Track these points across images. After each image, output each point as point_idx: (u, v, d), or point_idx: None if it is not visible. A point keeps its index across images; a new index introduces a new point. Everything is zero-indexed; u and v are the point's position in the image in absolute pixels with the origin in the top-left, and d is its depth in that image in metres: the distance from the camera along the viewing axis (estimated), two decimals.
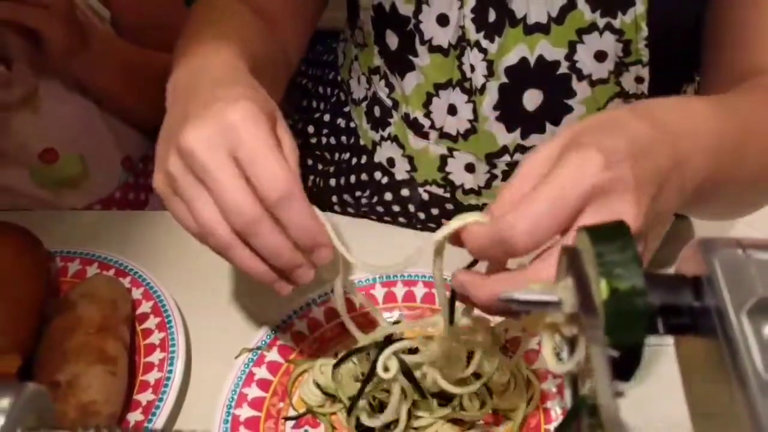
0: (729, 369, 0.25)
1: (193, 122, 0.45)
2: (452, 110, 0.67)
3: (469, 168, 0.70)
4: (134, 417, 0.60)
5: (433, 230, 0.74)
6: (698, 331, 0.28)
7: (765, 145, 0.52)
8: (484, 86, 0.64)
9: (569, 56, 0.62)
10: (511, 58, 0.63)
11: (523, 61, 0.63)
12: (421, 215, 0.75)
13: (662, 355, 0.54)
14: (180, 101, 0.51)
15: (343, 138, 0.80)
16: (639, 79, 0.64)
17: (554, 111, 0.66)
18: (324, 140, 0.81)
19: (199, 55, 0.54)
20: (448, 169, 0.71)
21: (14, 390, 0.29)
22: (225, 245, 0.46)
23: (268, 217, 0.45)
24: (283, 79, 0.68)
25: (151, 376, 0.63)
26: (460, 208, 0.73)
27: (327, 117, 0.81)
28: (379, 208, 0.77)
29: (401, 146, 0.73)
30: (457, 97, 0.67)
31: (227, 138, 0.44)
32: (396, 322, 0.61)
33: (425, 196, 0.74)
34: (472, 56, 0.63)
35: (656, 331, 0.28)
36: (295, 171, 0.46)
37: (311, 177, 0.83)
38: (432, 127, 0.70)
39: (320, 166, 0.82)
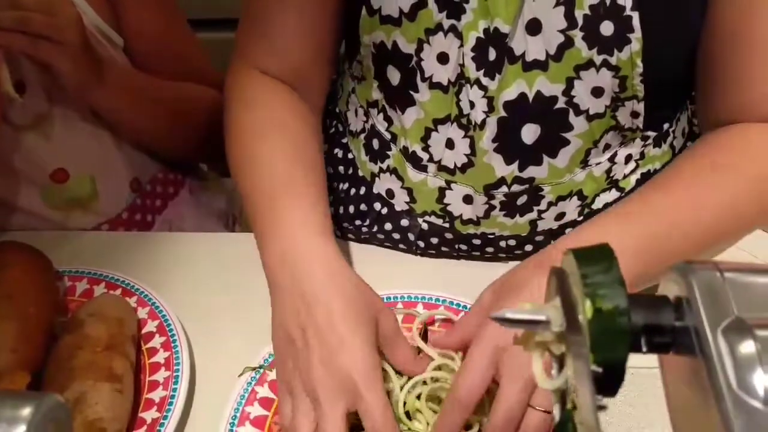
0: (706, 385, 0.27)
1: (318, 364, 0.55)
2: (450, 144, 0.69)
3: (467, 200, 0.72)
4: None
5: (432, 256, 0.77)
6: (679, 349, 0.30)
7: (692, 228, 0.60)
8: (484, 121, 0.66)
9: (567, 92, 0.64)
10: (510, 94, 0.65)
11: (522, 96, 0.65)
12: (421, 243, 0.77)
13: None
14: (293, 303, 0.59)
15: (341, 168, 0.81)
16: (634, 114, 0.66)
17: (551, 144, 0.68)
18: None
19: (285, 236, 0.62)
20: (446, 200, 0.73)
21: (35, 399, 0.30)
22: None
23: None
24: (322, 145, 0.76)
25: (156, 395, 0.64)
26: (460, 237, 0.75)
27: (325, 147, 0.83)
28: (380, 236, 0.79)
29: (400, 178, 0.75)
30: (454, 132, 0.68)
31: (348, 387, 0.54)
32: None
33: (425, 226, 0.76)
34: (472, 93, 0.65)
35: (639, 350, 0.30)
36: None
37: None
38: (430, 160, 0.71)
39: None
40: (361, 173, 0.79)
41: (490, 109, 0.65)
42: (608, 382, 0.28)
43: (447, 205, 0.73)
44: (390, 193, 0.76)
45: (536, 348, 0.33)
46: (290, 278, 0.59)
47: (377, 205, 0.78)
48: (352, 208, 0.80)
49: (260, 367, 0.65)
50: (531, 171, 0.69)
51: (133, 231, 0.90)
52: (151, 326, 0.70)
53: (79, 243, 0.82)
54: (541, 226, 0.74)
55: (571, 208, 0.73)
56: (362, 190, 0.79)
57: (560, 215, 0.73)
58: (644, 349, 0.30)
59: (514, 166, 0.69)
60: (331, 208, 0.81)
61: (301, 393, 0.56)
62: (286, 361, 0.58)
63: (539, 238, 0.75)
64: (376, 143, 0.76)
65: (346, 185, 0.81)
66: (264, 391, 0.63)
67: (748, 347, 0.26)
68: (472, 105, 0.66)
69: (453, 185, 0.72)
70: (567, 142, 0.67)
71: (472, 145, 0.68)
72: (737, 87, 0.63)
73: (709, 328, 0.27)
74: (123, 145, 0.88)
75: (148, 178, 0.93)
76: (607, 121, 0.66)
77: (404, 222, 0.76)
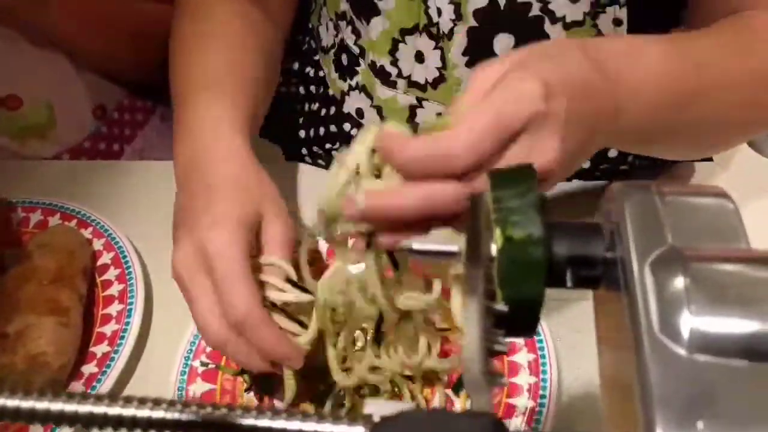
0: (627, 326, 0.23)
1: (179, 246, 0.51)
2: (419, 57, 0.64)
3: None
4: (89, 369, 0.59)
5: None
6: (608, 284, 0.26)
7: (723, 92, 0.51)
8: (452, 31, 0.61)
9: None
10: (481, 0, 0.59)
11: (493, 3, 0.59)
12: None
13: None
14: (181, 197, 0.56)
15: (312, 87, 0.77)
16: (617, 22, 0.60)
17: None
18: (293, 89, 0.79)
19: (197, 128, 0.57)
20: (417, 120, 0.68)
21: None
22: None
23: (234, 337, 0.49)
24: (279, 58, 0.70)
25: (108, 328, 0.62)
26: None
27: (296, 66, 0.79)
28: None
29: (369, 96, 0.70)
30: (423, 43, 0.63)
31: (204, 265, 0.49)
32: None
33: None
34: None
35: (563, 284, 0.26)
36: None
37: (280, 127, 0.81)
38: (399, 75, 0.67)
39: (292, 117, 0.80)
40: (331, 92, 0.75)
41: (458, 16, 0.60)
42: (522, 320, 0.25)
43: (418, 125, 0.68)
44: (360, 112, 0.72)
45: (455, 282, 0.29)
46: (191, 171, 0.55)
47: (347, 126, 0.73)
48: (322, 130, 0.76)
49: None
50: None
51: (97, 161, 0.86)
52: (106, 258, 0.67)
53: (35, 172, 0.78)
54: None
55: None
56: (332, 110, 0.75)
57: None
58: (569, 283, 0.26)
59: None
60: (301, 131, 0.78)
61: (180, 289, 0.52)
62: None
63: None
64: (345, 59, 0.71)
65: (317, 105, 0.77)
66: None
67: (676, 284, 0.22)
68: (439, 12, 0.60)
69: (424, 103, 0.67)
70: None
71: (443, 58, 0.63)
72: None
73: (637, 259, 0.23)
74: (82, 69, 0.83)
75: (114, 104, 0.88)
76: (587, 30, 0.60)
77: None
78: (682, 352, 0.21)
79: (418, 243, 0.27)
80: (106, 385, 0.57)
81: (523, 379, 0.49)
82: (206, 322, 0.49)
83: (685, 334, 0.21)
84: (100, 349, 0.60)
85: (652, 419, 0.20)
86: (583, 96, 0.41)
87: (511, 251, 0.24)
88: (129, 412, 0.25)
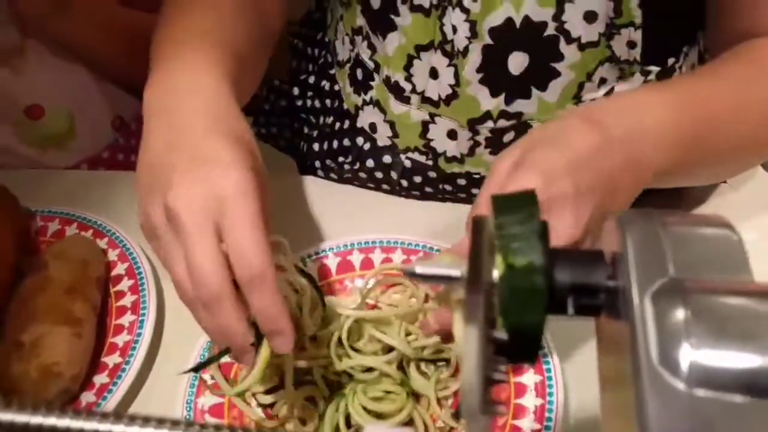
0: (627, 358, 0.22)
1: (180, 179, 0.44)
2: (434, 74, 0.65)
3: (452, 135, 0.67)
4: (100, 379, 0.60)
5: (417, 198, 0.73)
6: (610, 313, 0.26)
7: (735, 125, 0.54)
8: (467, 48, 0.61)
9: (557, 16, 0.59)
10: (496, 19, 0.60)
11: (509, 21, 0.60)
12: (404, 183, 0.73)
13: None
14: (160, 131, 0.49)
15: (327, 101, 0.78)
16: (631, 44, 0.60)
17: (541, 75, 0.62)
18: (309, 103, 0.79)
19: (176, 69, 0.52)
20: (429, 135, 0.69)
21: None
22: (189, 304, 0.47)
23: (232, 295, 0.44)
24: (265, 56, 0.68)
25: (120, 339, 0.62)
26: (443, 176, 0.71)
27: (312, 79, 0.79)
28: (362, 175, 0.75)
29: (383, 111, 0.71)
30: (438, 59, 0.64)
31: (215, 207, 0.44)
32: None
33: (407, 164, 0.72)
34: (454, 16, 0.60)
35: (564, 312, 0.26)
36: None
37: (295, 140, 0.82)
38: (413, 91, 0.67)
39: (306, 129, 0.81)
40: (345, 106, 0.75)
41: (473, 34, 0.60)
42: (522, 349, 0.25)
43: (430, 140, 0.69)
44: (373, 127, 0.72)
45: (457, 307, 0.29)
46: (171, 108, 0.50)
47: (360, 140, 0.74)
48: (335, 144, 0.76)
49: None
50: (518, 105, 0.64)
51: (114, 171, 0.87)
52: (120, 269, 0.67)
53: (55, 182, 0.79)
54: None
55: None
56: (346, 124, 0.75)
57: None
58: (570, 311, 0.26)
59: (501, 98, 0.64)
60: (315, 144, 0.79)
61: (165, 226, 0.45)
62: (148, 193, 0.46)
63: None
64: (359, 73, 0.72)
65: (331, 119, 0.77)
66: None
67: (676, 316, 0.22)
68: (455, 30, 0.61)
69: (437, 119, 0.67)
70: (557, 74, 0.62)
71: (456, 75, 0.63)
72: (747, 14, 0.58)
73: (638, 290, 0.23)
74: (102, 80, 0.84)
75: (132, 116, 0.90)
76: (602, 51, 0.60)
77: (387, 158, 0.72)
78: (681, 385, 0.21)
79: (421, 267, 0.27)
80: (116, 396, 0.58)
81: (529, 400, 0.49)
82: (204, 269, 0.43)
83: (685, 367, 0.21)
84: (111, 360, 0.61)
85: None
86: (589, 165, 0.46)
87: (512, 279, 0.24)
88: (133, 430, 0.25)
